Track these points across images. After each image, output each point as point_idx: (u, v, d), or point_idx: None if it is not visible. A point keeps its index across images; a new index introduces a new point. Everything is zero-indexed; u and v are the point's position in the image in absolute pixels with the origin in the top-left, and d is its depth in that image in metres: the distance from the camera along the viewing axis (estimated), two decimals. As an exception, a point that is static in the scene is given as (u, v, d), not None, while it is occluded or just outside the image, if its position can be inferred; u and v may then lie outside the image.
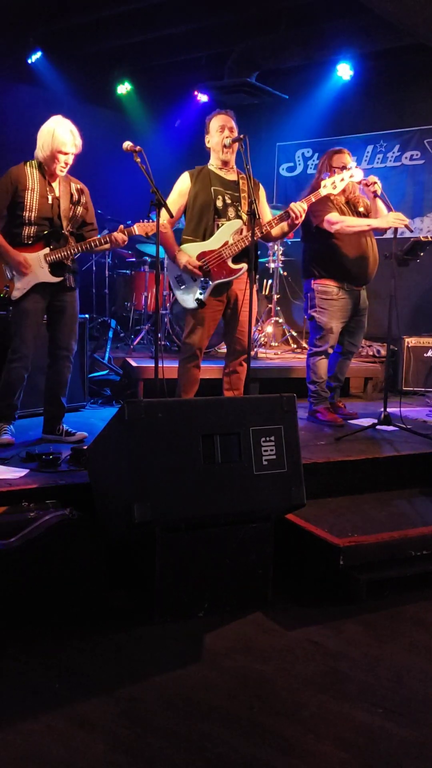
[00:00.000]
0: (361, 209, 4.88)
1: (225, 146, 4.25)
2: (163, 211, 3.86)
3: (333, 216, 4.72)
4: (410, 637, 2.83)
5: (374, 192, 4.70)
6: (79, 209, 4.07)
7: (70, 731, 2.17)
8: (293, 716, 2.28)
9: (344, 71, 8.26)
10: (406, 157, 8.47)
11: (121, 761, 2.04)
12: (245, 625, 2.88)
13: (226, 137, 4.24)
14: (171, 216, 4.05)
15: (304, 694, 2.41)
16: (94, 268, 7.85)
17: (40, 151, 3.93)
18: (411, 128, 8.40)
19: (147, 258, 7.55)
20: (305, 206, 4.25)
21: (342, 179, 4.39)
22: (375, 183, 4.70)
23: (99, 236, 4.06)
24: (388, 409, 4.61)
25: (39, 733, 2.16)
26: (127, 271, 7.85)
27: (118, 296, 7.83)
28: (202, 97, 8.88)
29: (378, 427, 4.66)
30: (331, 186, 4.37)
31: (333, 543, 3.10)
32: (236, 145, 4.25)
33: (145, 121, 9.18)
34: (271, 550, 3.03)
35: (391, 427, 4.65)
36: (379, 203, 4.76)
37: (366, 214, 4.88)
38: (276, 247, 7.50)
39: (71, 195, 4.05)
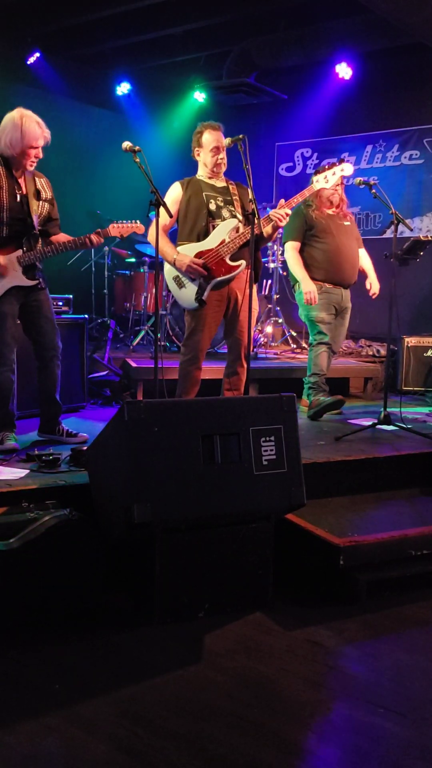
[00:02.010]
0: (347, 223, 5.06)
1: (217, 165, 4.39)
2: (154, 221, 3.90)
3: (290, 244, 5.16)
4: (410, 637, 2.83)
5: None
6: (46, 206, 3.99)
7: (70, 731, 2.17)
8: (294, 716, 2.28)
9: (343, 71, 8.26)
10: (405, 157, 8.47)
11: (122, 762, 2.04)
12: (245, 625, 2.88)
13: (220, 158, 4.38)
14: (170, 216, 4.07)
15: (305, 694, 2.41)
16: (93, 269, 7.85)
17: (8, 147, 3.79)
18: (410, 128, 8.39)
19: (146, 258, 7.55)
20: (288, 211, 4.31)
21: (333, 173, 4.48)
22: (376, 184, 4.76)
23: (75, 238, 3.97)
24: (388, 409, 4.62)
25: (39, 734, 2.16)
26: (127, 272, 7.85)
27: (118, 297, 7.83)
28: (202, 97, 8.88)
29: (378, 426, 4.66)
30: (323, 180, 4.48)
31: (333, 543, 3.10)
32: (225, 160, 4.41)
33: (144, 121, 9.18)
34: (271, 551, 3.03)
35: (391, 427, 4.65)
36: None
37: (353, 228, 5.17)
38: (275, 247, 7.50)
39: (38, 191, 3.95)
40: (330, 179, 4.47)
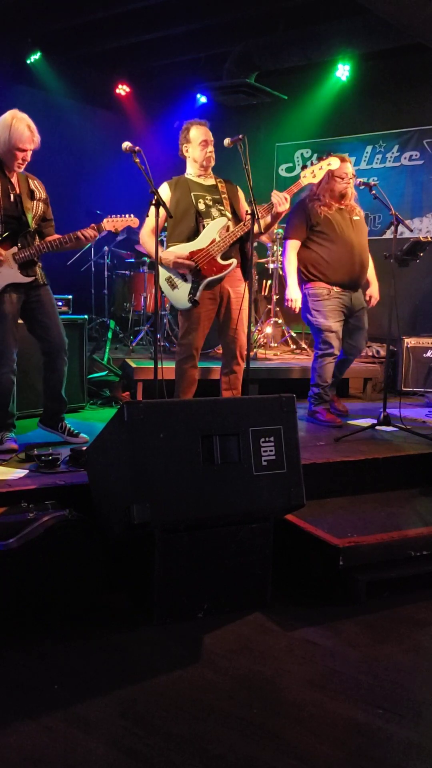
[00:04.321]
0: (356, 218, 4.94)
1: (206, 159, 4.40)
2: (147, 219, 3.98)
3: (290, 242, 4.94)
4: (410, 637, 2.83)
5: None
6: (41, 205, 3.99)
7: (70, 732, 2.17)
8: (293, 716, 2.28)
9: (343, 72, 8.28)
10: (405, 158, 8.47)
11: (121, 762, 2.04)
12: (245, 625, 2.87)
13: (209, 152, 4.40)
14: (170, 216, 4.09)
15: (304, 694, 2.41)
16: (93, 269, 7.85)
17: None
18: (410, 128, 8.40)
19: (146, 259, 7.55)
20: (287, 195, 4.30)
21: (321, 168, 4.50)
22: (376, 185, 4.75)
23: (70, 233, 3.95)
24: (388, 410, 4.61)
25: (39, 734, 2.15)
26: (126, 272, 7.85)
27: (117, 297, 7.83)
28: (201, 98, 8.88)
29: (377, 427, 4.66)
30: (310, 175, 4.49)
31: (332, 543, 3.10)
32: (214, 154, 4.42)
33: (144, 121, 9.19)
34: (270, 551, 3.03)
35: (390, 428, 4.65)
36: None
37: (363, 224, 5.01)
38: (275, 247, 7.50)
39: (31, 191, 3.94)
40: (317, 174, 4.47)
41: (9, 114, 3.79)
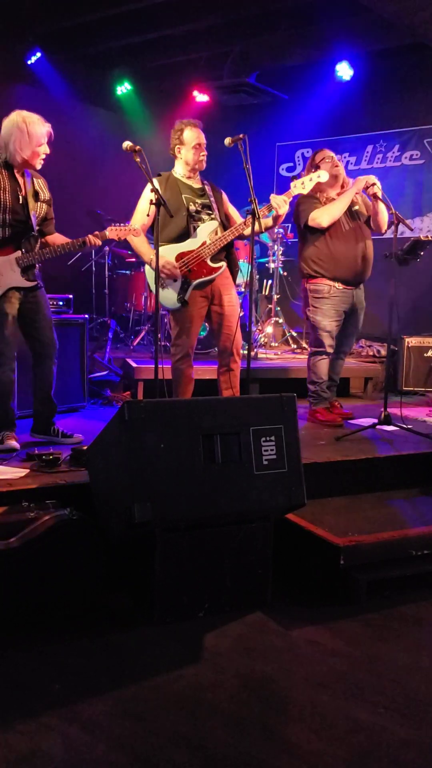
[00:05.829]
0: (356, 208, 4.88)
1: (198, 162, 4.41)
2: (135, 215, 4.01)
3: (315, 213, 4.77)
4: (410, 636, 2.83)
5: (374, 194, 4.70)
6: (44, 206, 3.99)
7: (69, 731, 2.17)
8: (294, 715, 2.28)
9: (344, 71, 8.27)
10: (405, 157, 8.47)
11: (121, 761, 2.04)
12: (245, 625, 2.87)
13: (203, 155, 4.40)
14: (171, 216, 4.09)
15: (305, 693, 2.41)
16: (93, 269, 7.84)
17: (17, 152, 3.77)
18: (411, 128, 8.40)
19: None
20: (286, 198, 4.32)
21: (311, 179, 4.50)
22: (374, 185, 4.70)
23: (72, 240, 3.96)
24: (389, 409, 4.61)
25: (39, 733, 2.15)
26: (127, 272, 7.85)
27: (118, 296, 7.83)
28: (202, 97, 8.88)
29: (378, 426, 4.66)
30: (300, 186, 4.49)
31: (333, 543, 3.10)
32: (205, 159, 4.44)
33: (144, 121, 9.18)
34: (271, 550, 3.03)
35: (391, 427, 4.64)
36: (380, 204, 4.76)
37: (369, 217, 4.89)
38: (276, 247, 7.50)
39: (36, 192, 3.95)
40: (307, 185, 4.49)
41: (17, 116, 3.78)
